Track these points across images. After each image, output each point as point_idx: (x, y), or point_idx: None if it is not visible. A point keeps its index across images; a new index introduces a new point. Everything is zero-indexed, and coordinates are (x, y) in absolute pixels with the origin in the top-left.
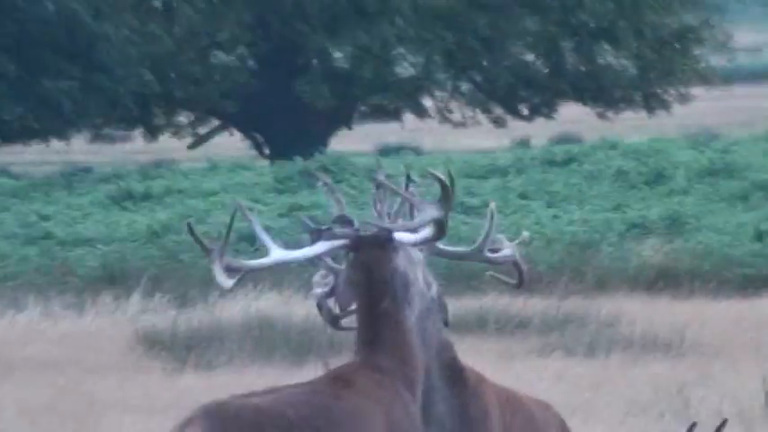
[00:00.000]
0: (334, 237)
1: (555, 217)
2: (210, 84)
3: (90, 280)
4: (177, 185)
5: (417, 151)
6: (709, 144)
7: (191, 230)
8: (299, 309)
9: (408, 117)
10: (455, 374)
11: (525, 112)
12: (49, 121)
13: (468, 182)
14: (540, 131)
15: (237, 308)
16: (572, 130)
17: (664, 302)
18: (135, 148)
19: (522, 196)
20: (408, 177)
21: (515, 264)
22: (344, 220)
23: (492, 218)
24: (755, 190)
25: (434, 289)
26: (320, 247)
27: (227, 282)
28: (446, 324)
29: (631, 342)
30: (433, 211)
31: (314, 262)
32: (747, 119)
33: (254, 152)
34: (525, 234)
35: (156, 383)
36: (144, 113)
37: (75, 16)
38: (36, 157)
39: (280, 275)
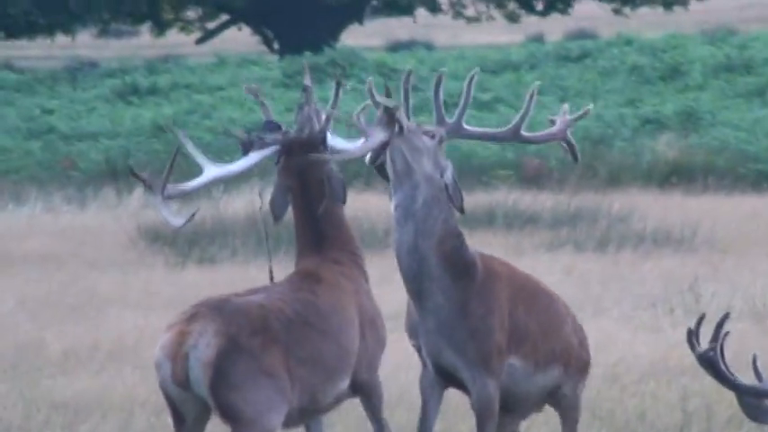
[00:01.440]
0: (265, 144)
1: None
2: None
3: (92, 174)
4: (184, 80)
5: (429, 47)
6: (726, 40)
7: (132, 171)
8: None
9: (421, 12)
10: (461, 267)
11: (540, 7)
12: (54, 16)
13: (480, 77)
14: (554, 27)
15: (242, 203)
16: (587, 27)
17: (677, 198)
18: (142, 42)
19: None
20: (338, 84)
21: (564, 141)
22: (273, 127)
23: (531, 98)
24: None
25: (448, 174)
26: (253, 157)
27: (177, 221)
28: (461, 211)
29: (643, 237)
30: (379, 135)
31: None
32: (766, 14)
33: (263, 47)
34: (589, 107)
35: (158, 278)
36: (152, 8)
37: None
38: (41, 51)
39: None
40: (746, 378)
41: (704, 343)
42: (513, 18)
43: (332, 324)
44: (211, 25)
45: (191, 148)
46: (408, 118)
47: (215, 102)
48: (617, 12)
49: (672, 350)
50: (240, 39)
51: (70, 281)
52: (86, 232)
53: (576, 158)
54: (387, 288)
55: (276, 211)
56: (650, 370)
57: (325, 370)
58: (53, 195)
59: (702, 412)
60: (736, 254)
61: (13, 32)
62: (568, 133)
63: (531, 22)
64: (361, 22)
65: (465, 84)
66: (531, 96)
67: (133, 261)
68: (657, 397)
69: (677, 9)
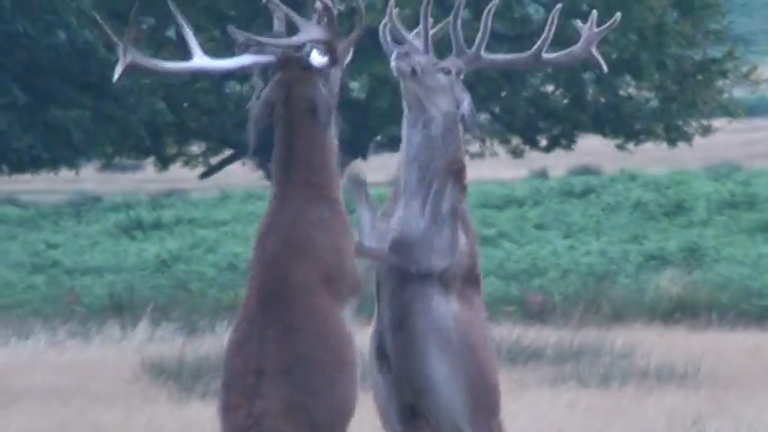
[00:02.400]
0: (262, 52)
1: (571, 248)
2: (224, 113)
3: (96, 309)
4: (188, 215)
5: None
6: (730, 176)
7: (101, 26)
8: None
9: None
10: (457, 188)
11: (544, 143)
12: (59, 151)
13: (484, 212)
14: (558, 163)
15: None
16: (591, 162)
17: (680, 334)
18: (146, 177)
19: (539, 227)
20: (360, 16)
21: (589, 57)
22: (279, 37)
23: (552, 23)
24: None
25: (465, 105)
26: (246, 59)
27: (119, 79)
28: (478, 138)
29: (646, 373)
30: (315, 32)
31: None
32: None
33: (266, 182)
34: (618, 15)
35: (162, 413)
36: (156, 143)
37: (87, 46)
38: (45, 185)
39: None
40: None
41: None
42: (517, 153)
43: None
44: (215, 160)
45: (186, 31)
46: (428, 50)
47: (219, 236)
48: (621, 147)
49: None
50: (244, 174)
51: (74, 416)
52: (91, 366)
53: (601, 69)
54: None
55: (254, 124)
56: None
57: None
58: (57, 330)
59: None
60: (739, 390)
61: (17, 167)
62: (592, 49)
63: (535, 157)
64: (365, 157)
65: (485, 14)
66: (552, 21)
67: (137, 395)
68: None
69: (681, 145)
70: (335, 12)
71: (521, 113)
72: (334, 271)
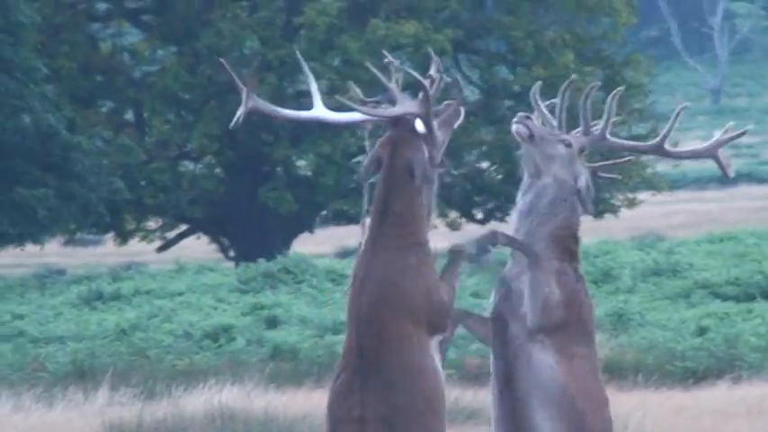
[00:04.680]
0: (377, 111)
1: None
2: (179, 191)
3: (60, 375)
4: (145, 286)
5: None
6: (654, 245)
7: (228, 70)
8: (260, 401)
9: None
10: (560, 250)
11: (480, 216)
12: (24, 227)
13: None
14: None
15: (201, 400)
16: None
17: (608, 393)
18: (107, 250)
19: (474, 295)
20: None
21: (712, 158)
22: (391, 99)
23: (678, 116)
24: (697, 288)
25: (582, 180)
26: (358, 115)
27: (239, 121)
28: (591, 214)
29: None
30: (410, 105)
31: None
32: (691, 221)
33: (219, 255)
34: (747, 129)
35: None
36: (115, 219)
37: (50, 129)
38: (11, 260)
39: (240, 371)
40: None
41: None
42: (454, 226)
43: None
44: (171, 234)
45: (311, 80)
46: (561, 126)
47: (175, 306)
48: None
49: None
50: (198, 247)
51: None
52: (54, 429)
53: (726, 175)
54: None
55: (362, 177)
56: None
57: None
58: (23, 395)
59: None
60: None
61: None
62: (718, 152)
63: (471, 230)
64: (311, 231)
65: (610, 98)
66: (678, 114)
67: None
68: None
69: (608, 216)
70: (435, 87)
71: (458, 189)
72: (424, 312)
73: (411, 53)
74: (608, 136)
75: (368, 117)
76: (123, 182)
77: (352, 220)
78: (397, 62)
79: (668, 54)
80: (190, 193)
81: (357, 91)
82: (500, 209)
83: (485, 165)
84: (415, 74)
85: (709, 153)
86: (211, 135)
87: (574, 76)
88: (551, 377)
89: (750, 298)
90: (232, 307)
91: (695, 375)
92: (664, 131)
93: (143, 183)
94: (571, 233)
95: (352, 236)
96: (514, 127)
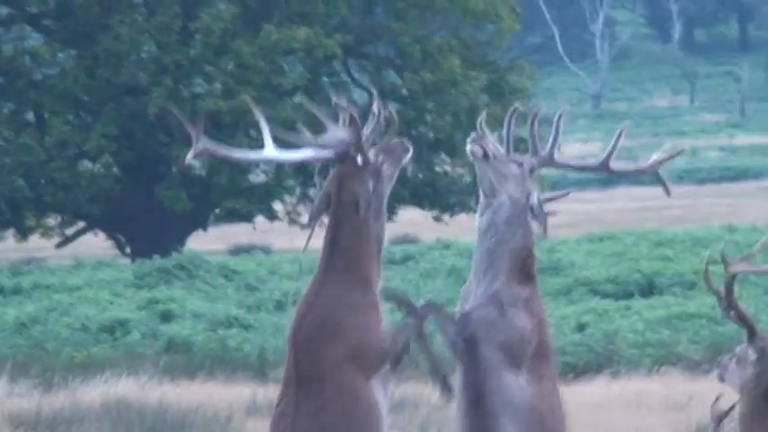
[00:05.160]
0: (324, 147)
1: (392, 311)
2: (78, 189)
3: None
4: (45, 281)
5: (266, 251)
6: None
7: (175, 116)
8: (154, 393)
9: (260, 219)
10: (522, 274)
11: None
12: None
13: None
14: None
15: (98, 391)
16: (410, 232)
17: None
18: (7, 246)
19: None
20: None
21: (656, 176)
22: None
23: (621, 134)
24: (577, 286)
25: (534, 198)
26: (309, 153)
27: (187, 162)
28: (544, 231)
29: None
30: (340, 133)
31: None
32: (572, 221)
33: (116, 251)
34: (683, 149)
35: None
36: (16, 216)
37: None
38: None
39: (135, 363)
40: None
41: None
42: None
43: None
44: (70, 231)
45: (262, 122)
46: (510, 150)
47: (73, 300)
48: (437, 219)
49: None
50: (96, 243)
51: None
52: None
53: (667, 192)
54: None
55: (313, 214)
56: None
57: None
58: None
59: None
60: None
61: None
62: (659, 169)
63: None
64: (205, 228)
65: (555, 120)
66: (621, 132)
67: None
68: None
69: None
70: (375, 121)
71: None
72: (362, 347)
73: (303, 57)
74: (555, 156)
75: (316, 155)
76: (24, 180)
77: (245, 218)
78: (335, 99)
79: (551, 59)
80: (88, 192)
81: (306, 132)
82: (389, 208)
83: None
84: (342, 103)
85: (652, 170)
86: (109, 135)
87: (542, 108)
88: (522, 397)
89: (628, 295)
90: (128, 301)
91: (575, 370)
92: (608, 149)
93: (43, 181)
94: (528, 251)
95: (245, 234)
96: (469, 147)
